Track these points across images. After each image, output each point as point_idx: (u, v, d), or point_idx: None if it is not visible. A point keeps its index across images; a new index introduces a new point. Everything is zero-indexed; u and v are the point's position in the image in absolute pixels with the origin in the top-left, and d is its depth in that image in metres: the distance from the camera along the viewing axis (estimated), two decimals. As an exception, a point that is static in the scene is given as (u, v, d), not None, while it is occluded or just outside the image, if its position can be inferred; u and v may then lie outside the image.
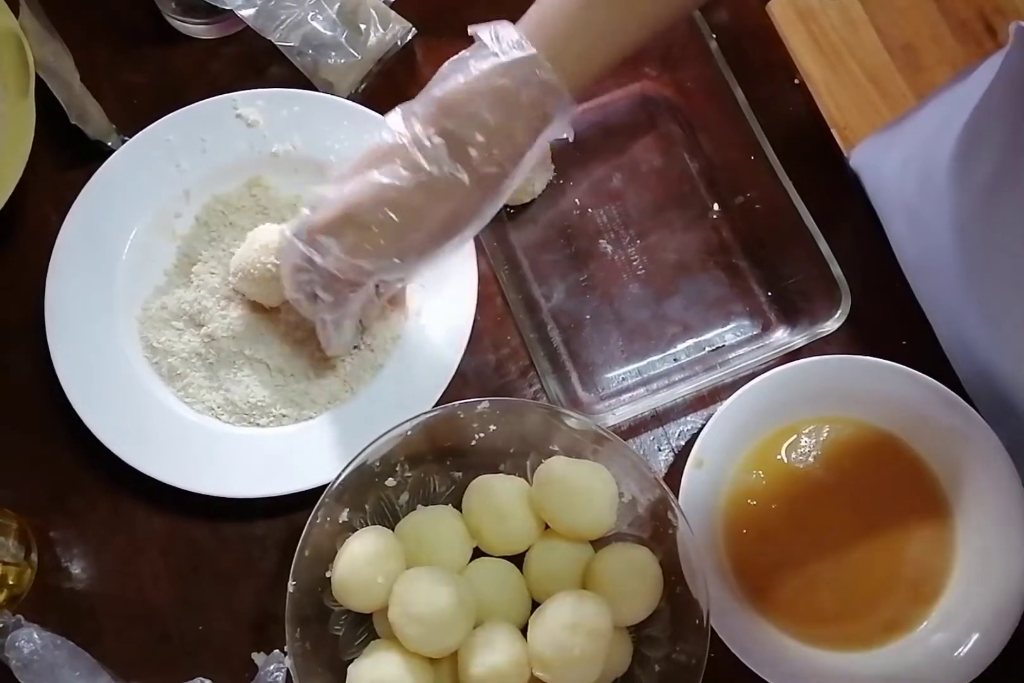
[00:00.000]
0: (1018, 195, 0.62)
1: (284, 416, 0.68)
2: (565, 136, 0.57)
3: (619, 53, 0.56)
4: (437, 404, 0.67)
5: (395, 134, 0.55)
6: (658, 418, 0.71)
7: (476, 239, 0.69)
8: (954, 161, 0.66)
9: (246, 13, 0.71)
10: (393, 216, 0.55)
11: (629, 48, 0.57)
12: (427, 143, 0.54)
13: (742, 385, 0.65)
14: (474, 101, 0.54)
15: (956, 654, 0.62)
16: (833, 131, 0.78)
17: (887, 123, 0.81)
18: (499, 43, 0.54)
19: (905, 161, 0.72)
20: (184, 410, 0.68)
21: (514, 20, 0.77)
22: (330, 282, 0.58)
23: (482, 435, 0.64)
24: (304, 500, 0.63)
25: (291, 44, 0.72)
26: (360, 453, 0.60)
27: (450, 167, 0.54)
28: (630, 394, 0.71)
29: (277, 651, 0.64)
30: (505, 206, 0.73)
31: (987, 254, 0.65)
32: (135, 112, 0.74)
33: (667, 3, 0.56)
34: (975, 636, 0.62)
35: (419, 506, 0.65)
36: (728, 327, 0.72)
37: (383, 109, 0.62)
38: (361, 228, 0.55)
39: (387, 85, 0.76)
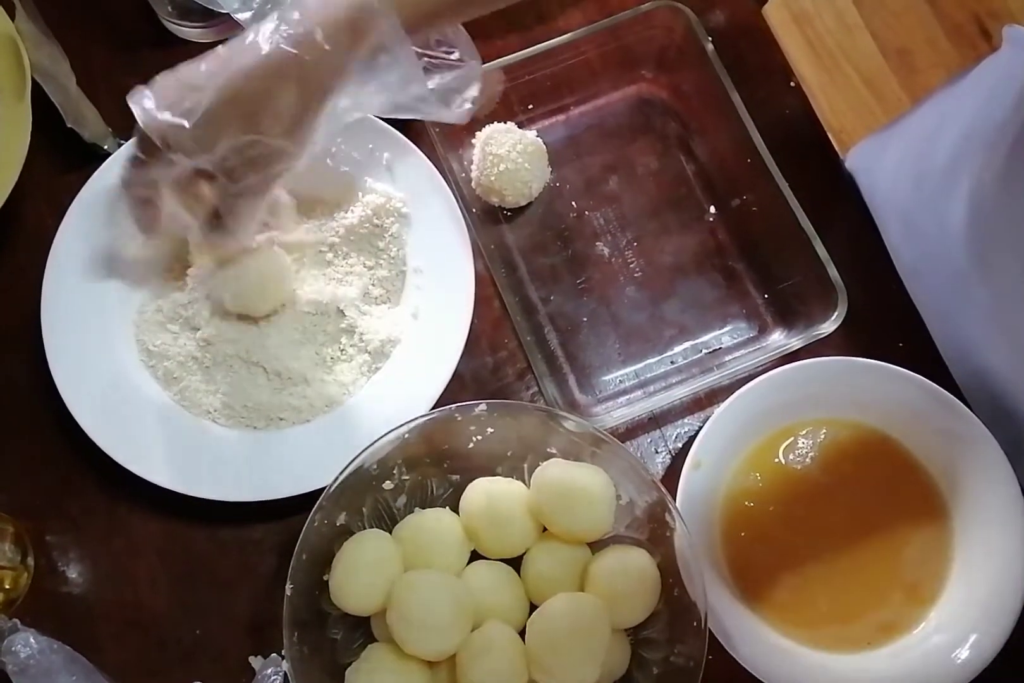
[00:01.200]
0: (1013, 197, 0.62)
1: (281, 419, 0.68)
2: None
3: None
4: (434, 407, 0.66)
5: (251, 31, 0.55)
6: (655, 420, 0.71)
7: (473, 241, 0.70)
8: (949, 163, 0.66)
9: (243, 17, 0.71)
10: (218, 84, 0.54)
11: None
12: (269, 23, 0.54)
13: (739, 387, 0.65)
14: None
15: (954, 656, 0.62)
16: (828, 134, 0.78)
17: (882, 126, 0.81)
18: None
19: (900, 164, 0.72)
20: (181, 413, 0.68)
21: (512, 21, 0.77)
22: (137, 138, 0.57)
23: (479, 438, 0.64)
24: (301, 503, 0.63)
25: (287, 47, 0.72)
26: (357, 456, 0.60)
27: (281, 45, 0.53)
28: (627, 396, 0.71)
29: (275, 655, 0.64)
30: (502, 208, 0.74)
31: (982, 256, 0.65)
32: (131, 115, 0.73)
33: None
34: (973, 637, 0.62)
35: (417, 509, 0.65)
36: (725, 329, 0.73)
37: (379, 112, 0.62)
38: (184, 88, 0.55)
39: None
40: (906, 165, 0.71)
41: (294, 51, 0.53)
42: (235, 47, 0.56)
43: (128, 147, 0.59)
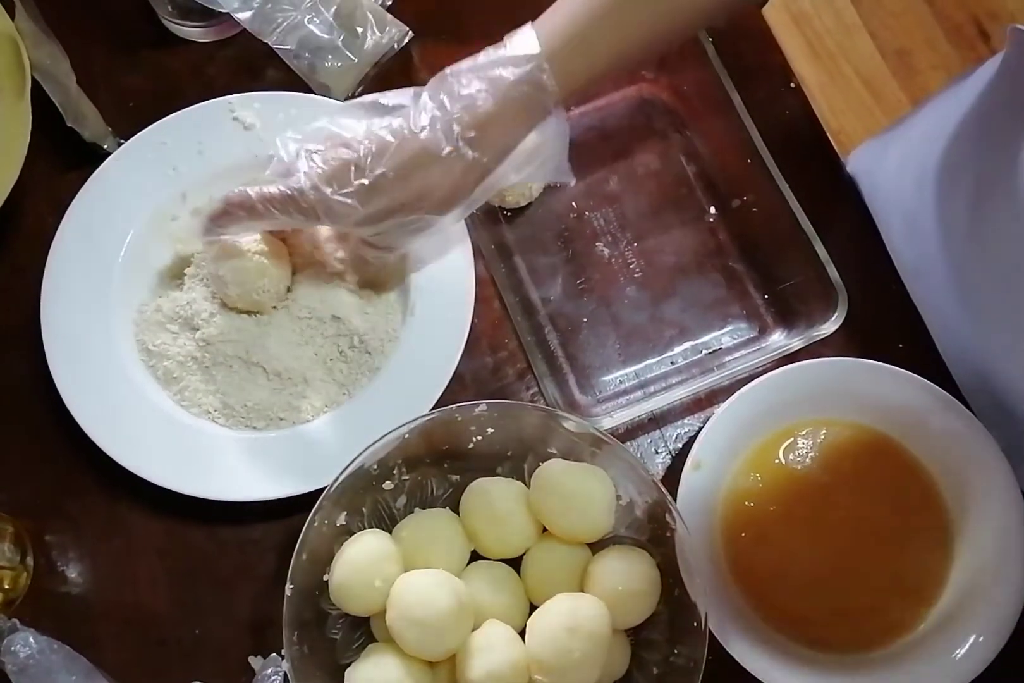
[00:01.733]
0: (1013, 199, 0.62)
1: (281, 419, 0.68)
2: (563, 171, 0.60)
3: (616, 65, 0.57)
4: (434, 407, 0.66)
5: (403, 96, 0.58)
6: (655, 421, 0.71)
7: (473, 242, 0.70)
8: (949, 165, 0.66)
9: (243, 16, 0.71)
10: (378, 165, 0.56)
11: (628, 62, 0.58)
12: (434, 112, 0.56)
13: (739, 388, 0.65)
14: (472, 84, 0.55)
15: (954, 656, 0.62)
16: (828, 134, 0.78)
17: (882, 127, 0.81)
18: (511, 38, 0.56)
19: (901, 166, 0.72)
20: (181, 413, 0.68)
21: (509, 23, 0.77)
22: (285, 195, 0.58)
23: (479, 438, 0.64)
24: (301, 503, 0.63)
25: (288, 47, 0.72)
26: (357, 456, 0.60)
27: (449, 139, 0.55)
28: (627, 397, 0.71)
29: (274, 655, 0.64)
30: (502, 208, 0.74)
31: (981, 258, 0.65)
32: (131, 115, 0.74)
33: (673, 21, 0.57)
34: (973, 638, 0.62)
35: (417, 509, 0.65)
36: (725, 330, 0.73)
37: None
38: (345, 165, 0.57)
39: (384, 88, 0.74)
40: (908, 166, 0.71)
41: (469, 152, 0.55)
42: (400, 131, 0.56)
43: (273, 194, 0.59)
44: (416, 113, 0.56)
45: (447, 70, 0.57)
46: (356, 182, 0.57)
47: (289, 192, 0.58)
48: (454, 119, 0.55)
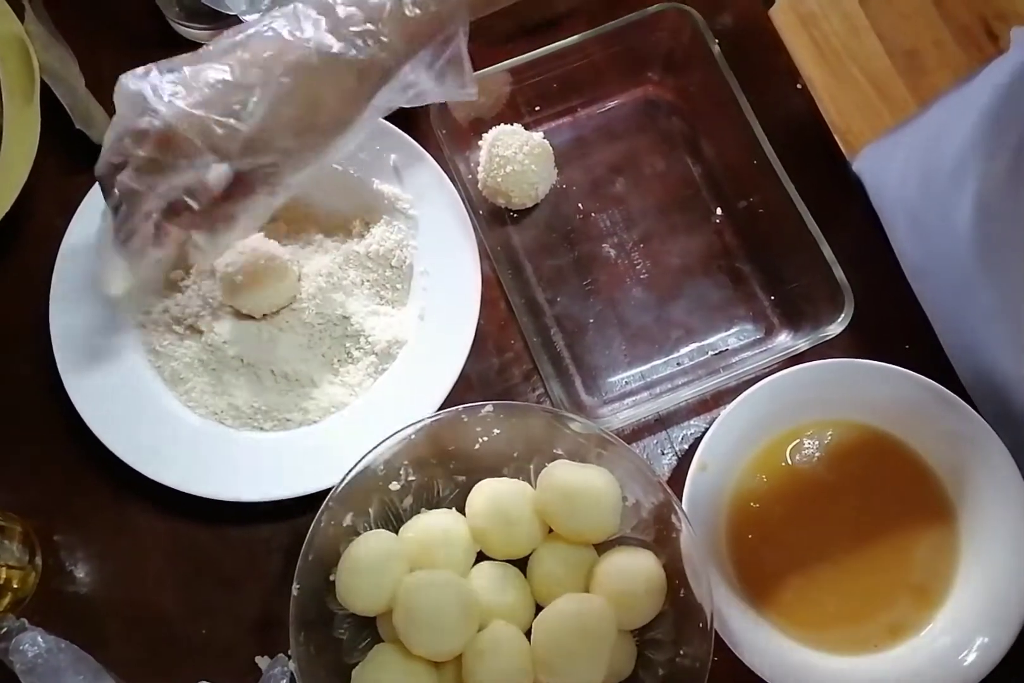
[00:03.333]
0: (1020, 199, 0.62)
1: (288, 420, 0.68)
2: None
3: None
4: (441, 408, 0.67)
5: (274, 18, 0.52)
6: (661, 422, 0.71)
7: (479, 243, 0.70)
8: (957, 165, 0.66)
9: (250, 18, 0.71)
10: (249, 78, 0.50)
11: None
12: (309, 17, 0.51)
13: (745, 389, 0.65)
14: None
15: (961, 657, 0.62)
16: (835, 136, 0.78)
17: (889, 128, 0.81)
18: None
19: (907, 166, 0.72)
20: (188, 414, 0.68)
21: (519, 23, 0.77)
22: (158, 136, 0.51)
23: (486, 439, 0.64)
24: (308, 504, 0.63)
25: (295, 49, 0.72)
26: (364, 457, 0.60)
27: (338, 36, 0.51)
28: (633, 398, 0.71)
29: (281, 655, 0.65)
30: (508, 210, 0.74)
31: (988, 257, 0.65)
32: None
33: None
34: (980, 640, 0.62)
35: (423, 510, 0.65)
36: (731, 331, 0.73)
37: (386, 114, 0.62)
38: (213, 85, 0.51)
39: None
40: (914, 166, 0.71)
41: (365, 48, 0.51)
42: (278, 37, 0.51)
43: (124, 145, 0.52)
44: (296, 20, 0.51)
45: None
46: (234, 99, 0.50)
47: (157, 129, 0.50)
48: (343, 18, 0.50)
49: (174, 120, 0.51)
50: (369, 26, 0.51)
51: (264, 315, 0.69)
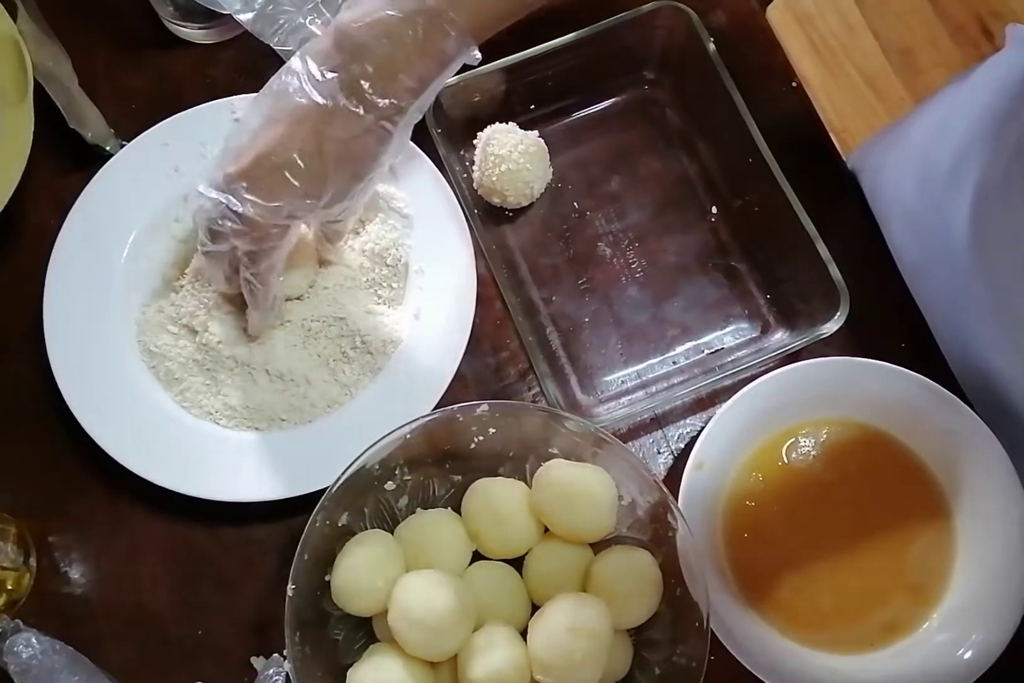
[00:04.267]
0: (1016, 196, 0.62)
1: (283, 420, 0.68)
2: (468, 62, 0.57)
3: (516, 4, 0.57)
4: (436, 407, 0.66)
5: (293, 73, 0.55)
6: (657, 421, 0.71)
7: (475, 242, 0.70)
8: (953, 163, 0.66)
9: (244, 17, 0.71)
10: (298, 159, 0.55)
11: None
12: (319, 78, 0.54)
13: (741, 387, 0.65)
14: (362, 33, 0.54)
15: (958, 655, 0.62)
16: (831, 134, 0.78)
17: (884, 126, 0.81)
18: None
19: (903, 164, 0.72)
20: (183, 414, 0.68)
21: (511, 24, 0.77)
22: (250, 231, 0.57)
23: (481, 438, 0.64)
24: (303, 504, 0.63)
25: (290, 48, 0.72)
26: (359, 457, 0.60)
27: (345, 101, 0.54)
28: (629, 397, 0.71)
29: (276, 655, 0.64)
30: (504, 209, 0.74)
31: (984, 256, 0.65)
32: (133, 116, 0.74)
33: None
34: (976, 637, 0.62)
35: (418, 509, 0.65)
36: (727, 330, 0.72)
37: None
38: (274, 170, 0.55)
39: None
40: (910, 165, 0.71)
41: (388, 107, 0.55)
42: (289, 105, 0.55)
43: (246, 244, 0.59)
44: (288, 77, 0.55)
45: (329, 27, 0.55)
46: (296, 182, 0.56)
47: (250, 232, 0.57)
48: (351, 77, 0.54)
49: (259, 217, 0.57)
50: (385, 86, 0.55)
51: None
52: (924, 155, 0.70)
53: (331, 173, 0.56)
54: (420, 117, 0.58)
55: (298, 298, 0.69)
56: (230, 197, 0.56)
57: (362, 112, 0.55)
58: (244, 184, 0.56)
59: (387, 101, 0.55)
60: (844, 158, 0.79)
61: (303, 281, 0.69)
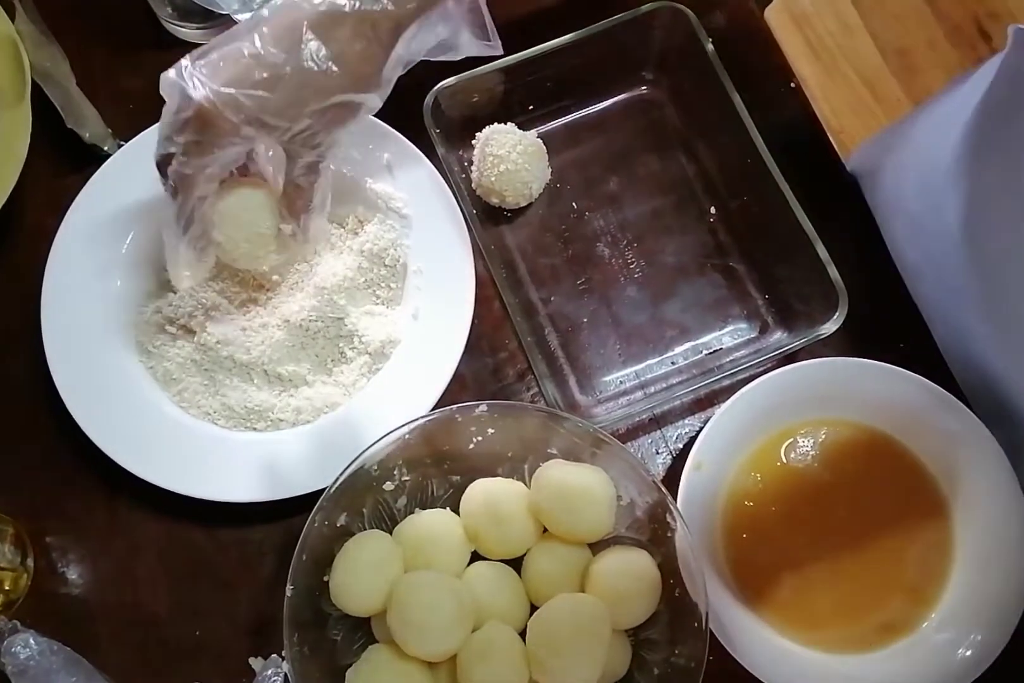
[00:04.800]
0: (1014, 198, 0.62)
1: (281, 420, 0.68)
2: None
3: None
4: (435, 408, 0.66)
5: None
6: (656, 421, 0.71)
7: (473, 242, 0.70)
8: (953, 164, 0.66)
9: (242, 18, 0.71)
10: (268, 50, 0.53)
11: None
12: None
13: (740, 388, 0.65)
14: None
15: (956, 655, 0.62)
16: (829, 134, 0.78)
17: (883, 127, 0.81)
18: None
19: (903, 165, 0.72)
20: (181, 415, 0.68)
21: (509, 24, 0.77)
22: (196, 118, 0.54)
23: (480, 439, 0.64)
24: (302, 504, 0.63)
25: (288, 48, 0.72)
26: (358, 457, 0.60)
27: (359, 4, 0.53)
28: (628, 397, 0.71)
29: (275, 656, 0.64)
30: (502, 209, 0.74)
31: (983, 259, 0.65)
32: (131, 116, 0.74)
33: None
34: (975, 637, 0.62)
35: (417, 510, 0.65)
36: (725, 330, 0.72)
37: (379, 113, 0.62)
38: (237, 61, 0.54)
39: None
40: (909, 166, 0.71)
41: (374, 2, 0.53)
42: (293, 10, 0.53)
43: (167, 143, 0.55)
44: None
45: None
46: (262, 70, 0.53)
47: (193, 113, 0.53)
48: None
49: (206, 101, 0.53)
50: None
51: (258, 314, 0.69)
52: (924, 156, 0.70)
53: (289, 76, 0.54)
54: (420, 56, 0.57)
55: (262, 285, 0.68)
56: (186, 81, 0.54)
57: (371, 32, 0.53)
58: (203, 67, 0.53)
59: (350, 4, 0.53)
60: (842, 159, 0.79)
61: (258, 249, 0.64)
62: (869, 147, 0.79)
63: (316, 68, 0.54)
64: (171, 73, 0.55)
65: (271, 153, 0.61)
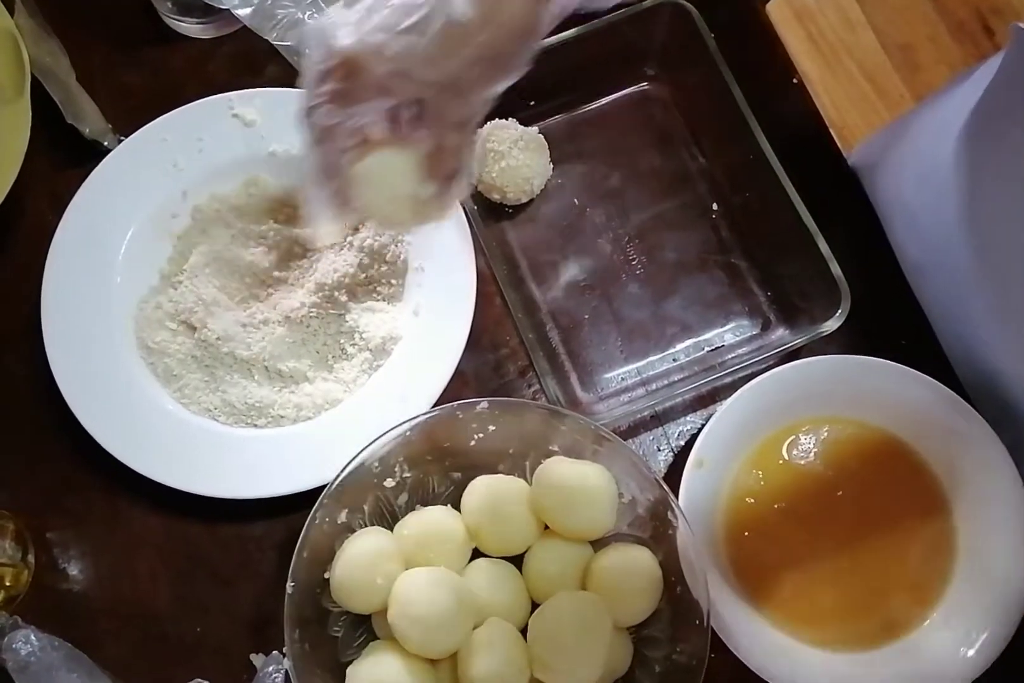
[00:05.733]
0: (1015, 195, 0.62)
1: (282, 417, 0.68)
2: None
3: None
4: (436, 404, 0.66)
5: None
6: (658, 418, 0.71)
7: (474, 238, 0.69)
8: (952, 161, 0.65)
9: (243, 12, 0.71)
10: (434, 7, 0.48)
11: None
12: None
13: (741, 385, 0.65)
14: None
15: (958, 654, 0.62)
16: (831, 130, 0.78)
17: (885, 122, 0.81)
18: None
19: (905, 161, 0.72)
20: (181, 411, 0.68)
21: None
22: (341, 66, 0.50)
23: (481, 435, 0.63)
24: (303, 501, 0.63)
25: (288, 43, 0.72)
26: (359, 454, 0.60)
27: None
28: (629, 394, 0.71)
29: (276, 652, 0.64)
30: (503, 205, 0.73)
31: (989, 253, 0.65)
32: (131, 112, 0.73)
33: None
34: (976, 636, 0.62)
35: (418, 507, 0.65)
36: (727, 327, 0.72)
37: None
38: (387, 7, 0.49)
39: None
40: (910, 163, 0.71)
41: None
42: None
43: (309, 95, 0.51)
44: None
45: None
46: (406, 20, 0.49)
47: (337, 61, 0.50)
48: None
49: (351, 49, 0.50)
50: None
51: (258, 311, 0.69)
52: (924, 153, 0.69)
53: (473, 49, 0.50)
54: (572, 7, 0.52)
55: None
56: (330, 30, 0.50)
57: None
58: (350, 15, 0.49)
59: None
60: (844, 154, 0.78)
61: (400, 213, 0.58)
62: (870, 144, 0.79)
63: (466, 18, 0.49)
64: (315, 20, 0.53)
65: (416, 110, 0.54)
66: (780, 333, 0.72)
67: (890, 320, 0.72)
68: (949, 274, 0.68)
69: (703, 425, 0.65)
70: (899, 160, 0.72)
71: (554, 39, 0.70)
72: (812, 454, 0.67)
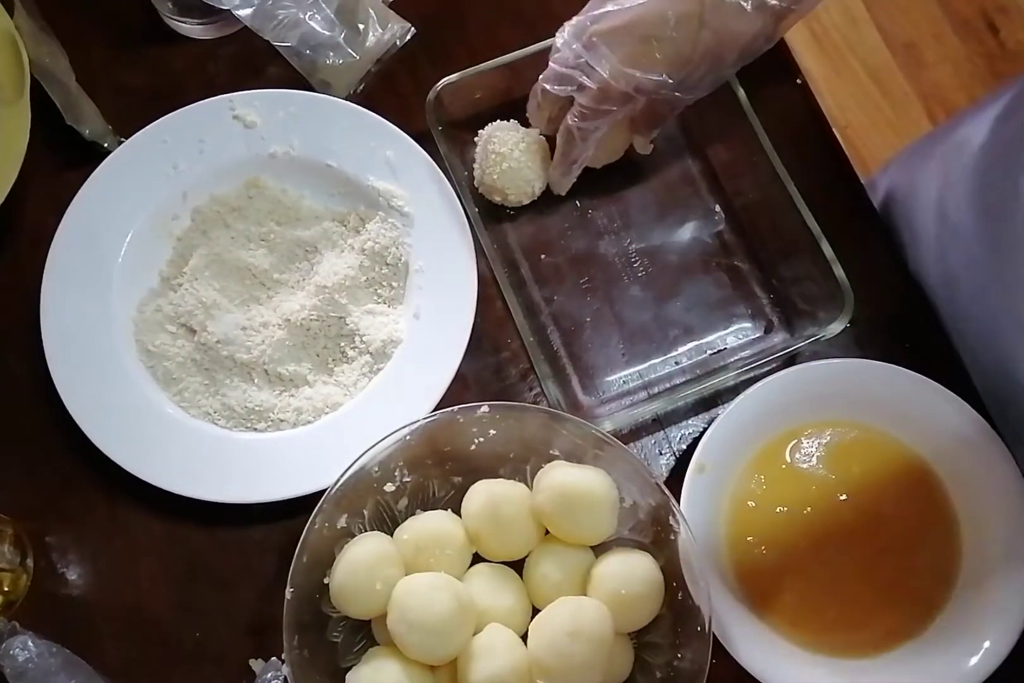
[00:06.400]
0: None
1: (282, 421, 0.67)
2: None
3: None
4: (436, 408, 0.66)
5: None
6: (659, 422, 0.70)
7: (475, 241, 0.69)
8: (972, 185, 0.65)
9: (243, 13, 0.71)
10: (671, 34, 0.58)
11: None
12: None
13: (744, 389, 0.64)
14: None
15: (962, 661, 0.61)
16: (835, 131, 0.77)
17: (889, 121, 0.80)
18: None
19: (940, 180, 0.71)
20: (181, 415, 0.68)
21: (517, 18, 0.76)
22: (595, 89, 0.61)
23: (482, 440, 0.63)
24: (302, 505, 0.62)
25: (289, 44, 0.72)
26: (359, 458, 0.60)
27: None
28: (631, 398, 0.70)
29: (275, 658, 0.64)
30: (505, 207, 0.73)
31: (1009, 277, 0.64)
32: (132, 113, 0.73)
33: None
34: (980, 643, 0.62)
35: (418, 511, 0.64)
36: (730, 330, 0.72)
37: (381, 110, 0.61)
38: (642, 40, 0.59)
39: (386, 86, 0.75)
40: (948, 181, 0.70)
41: None
42: None
43: (564, 88, 0.63)
44: None
45: None
46: (659, 56, 0.59)
47: (597, 86, 0.61)
48: None
49: (610, 79, 0.60)
50: None
51: (258, 313, 0.69)
52: (970, 167, 0.68)
53: (696, 60, 0.59)
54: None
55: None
56: (589, 52, 0.60)
57: (749, 8, 0.58)
58: (607, 44, 0.59)
59: (778, 3, 0.58)
60: (848, 155, 0.78)
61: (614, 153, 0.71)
62: (901, 162, 0.78)
63: (707, 53, 0.59)
64: (569, 34, 0.61)
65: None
66: (783, 336, 0.71)
67: (893, 323, 0.72)
68: (983, 291, 0.67)
69: (705, 429, 0.64)
70: (934, 178, 0.72)
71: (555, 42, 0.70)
72: (815, 458, 0.67)
